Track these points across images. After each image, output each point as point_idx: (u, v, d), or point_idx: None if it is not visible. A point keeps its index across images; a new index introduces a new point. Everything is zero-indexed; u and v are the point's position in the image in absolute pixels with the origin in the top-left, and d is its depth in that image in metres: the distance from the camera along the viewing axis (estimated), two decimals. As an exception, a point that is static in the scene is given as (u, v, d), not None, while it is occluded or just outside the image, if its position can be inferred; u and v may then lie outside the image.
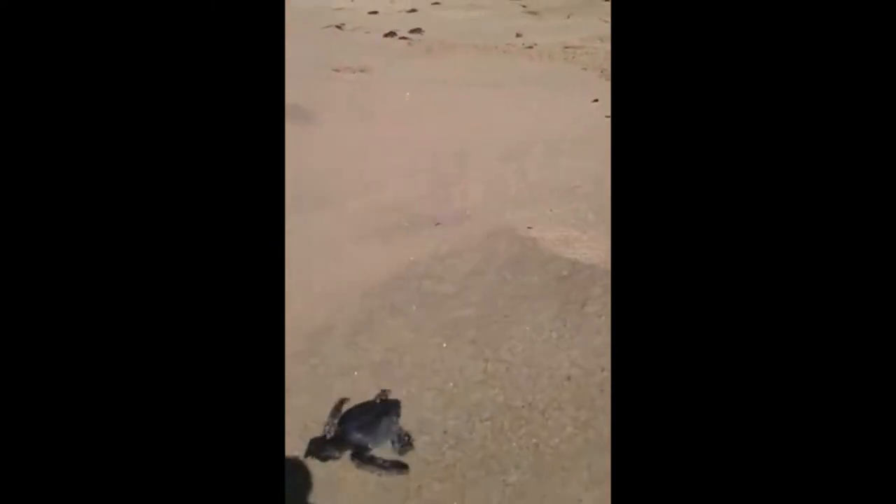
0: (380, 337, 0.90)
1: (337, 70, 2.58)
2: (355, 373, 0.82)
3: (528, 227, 1.20)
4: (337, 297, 1.00)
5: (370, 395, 0.77)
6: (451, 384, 0.80)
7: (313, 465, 0.68)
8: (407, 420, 0.74)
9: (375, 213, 1.30)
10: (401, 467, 0.66)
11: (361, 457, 0.67)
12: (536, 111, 2.06)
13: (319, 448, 0.69)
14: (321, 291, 1.02)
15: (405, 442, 0.70)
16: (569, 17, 3.80)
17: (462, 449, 0.70)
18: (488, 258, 1.11)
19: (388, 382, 0.80)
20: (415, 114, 2.07)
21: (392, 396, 0.77)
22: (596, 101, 2.06)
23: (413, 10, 4.88)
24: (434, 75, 2.57)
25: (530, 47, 2.94)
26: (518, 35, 3.20)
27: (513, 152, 1.65)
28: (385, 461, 0.67)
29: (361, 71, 2.58)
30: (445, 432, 0.72)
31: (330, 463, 0.67)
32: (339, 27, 3.57)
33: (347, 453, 0.68)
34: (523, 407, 0.74)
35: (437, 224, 1.24)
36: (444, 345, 0.87)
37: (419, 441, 0.71)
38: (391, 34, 3.37)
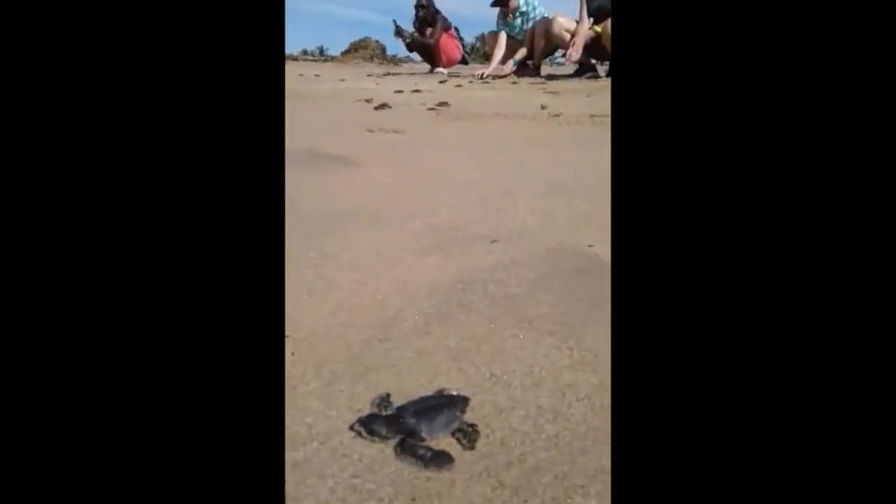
0: (453, 328, 0.89)
1: (371, 130, 2.80)
2: (433, 357, 0.81)
3: (589, 245, 1.24)
4: (405, 295, 1.00)
5: (449, 379, 0.75)
6: (538, 368, 0.78)
7: (351, 443, 0.63)
8: (495, 397, 0.72)
9: (432, 232, 1.35)
10: (445, 460, 0.59)
11: (404, 445, 0.61)
12: (574, 162, 2.19)
13: (370, 422, 0.63)
14: (388, 290, 1.03)
15: (470, 434, 0.63)
16: (589, 96, 4.15)
17: (562, 423, 0.67)
18: (553, 268, 1.13)
19: (468, 365, 0.79)
20: (454, 161, 2.21)
21: (473, 376, 0.75)
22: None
23: (442, 82, 5.33)
24: (466, 137, 2.78)
25: (557, 115, 3.20)
26: (543, 107, 3.49)
27: (557, 190, 1.74)
28: (427, 451, 0.60)
29: (395, 132, 2.79)
30: (540, 408, 0.70)
31: (370, 443, 0.63)
32: (367, 101, 3.91)
33: (397, 439, 0.62)
34: (622, 386, 0.72)
35: (494, 241, 1.28)
36: (522, 336, 0.87)
37: (511, 416, 0.68)
38: (420, 106, 3.69)
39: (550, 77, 6.02)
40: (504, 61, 6.35)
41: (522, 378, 0.76)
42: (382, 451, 0.62)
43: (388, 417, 0.65)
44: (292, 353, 0.82)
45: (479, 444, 0.63)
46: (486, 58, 7.95)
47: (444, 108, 3.60)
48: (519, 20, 6.36)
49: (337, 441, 0.64)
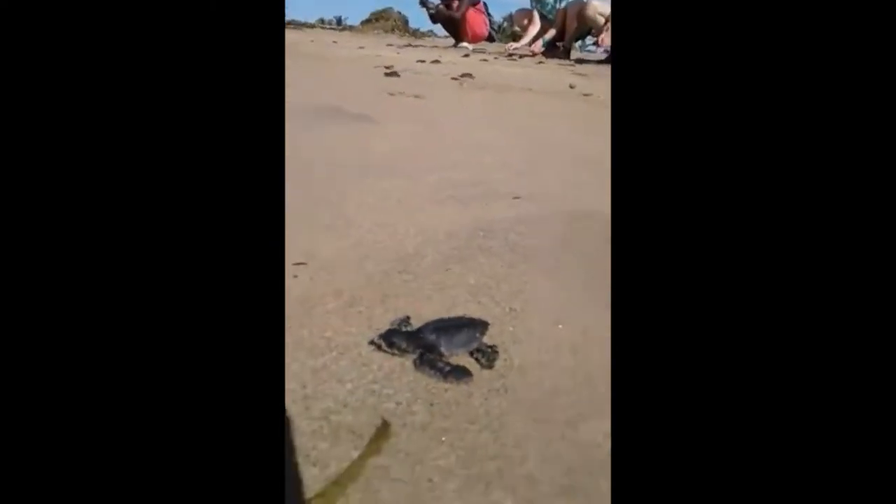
0: (473, 268, 0.90)
1: (392, 94, 2.78)
2: (452, 290, 0.81)
3: (613, 209, 1.23)
4: (424, 237, 1.01)
5: (467, 310, 0.76)
6: (558, 308, 0.79)
7: (370, 355, 0.64)
8: (514, 329, 0.72)
9: (452, 186, 1.35)
10: (463, 374, 0.60)
11: (423, 358, 0.61)
12: (601, 138, 2.17)
13: (389, 336, 0.64)
14: (407, 232, 1.03)
15: (489, 354, 0.65)
16: (617, 80, 4.09)
17: (581, 357, 0.68)
18: (579, 227, 1.13)
19: (488, 300, 0.80)
20: (476, 126, 2.20)
21: (493, 310, 0.76)
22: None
23: (465, 56, 5.28)
24: (490, 106, 2.76)
25: (587, 95, 3.16)
26: (572, 87, 3.45)
27: (582, 162, 1.73)
28: (446, 365, 0.61)
29: (416, 97, 2.77)
30: (558, 343, 0.70)
31: (387, 357, 0.64)
32: (388, 67, 3.88)
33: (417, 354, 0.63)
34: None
35: (517, 198, 1.28)
36: (542, 282, 0.87)
37: (530, 347, 0.69)
38: (442, 76, 3.65)
39: (580, 61, 5.94)
40: (534, 40, 6.27)
41: (542, 315, 0.77)
42: (402, 364, 0.63)
43: (407, 333, 0.66)
44: (310, 278, 0.83)
45: (498, 366, 0.64)
46: (514, 38, 7.84)
47: (467, 79, 3.57)
48: None
49: (356, 353, 0.65)
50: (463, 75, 3.68)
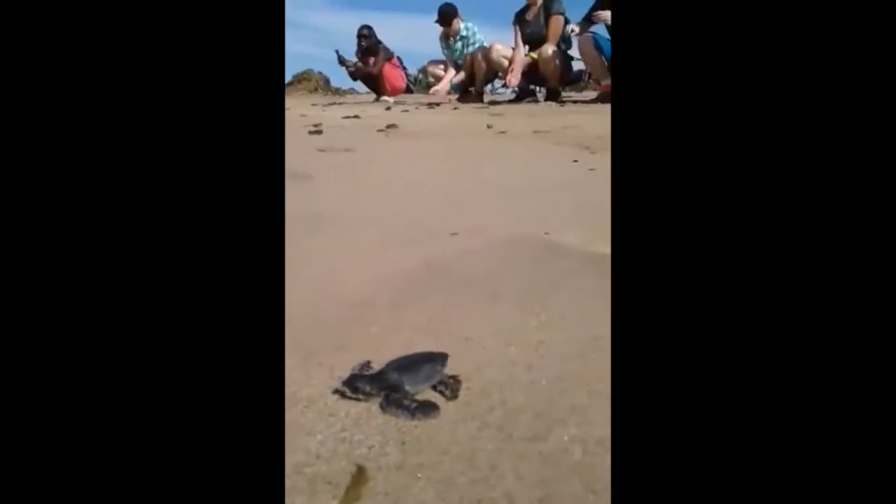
0: (423, 305, 0.91)
1: (322, 150, 2.81)
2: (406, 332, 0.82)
3: (546, 233, 1.30)
4: (372, 282, 1.02)
5: (424, 347, 0.77)
6: (508, 330, 0.82)
7: (336, 404, 0.63)
8: (471, 356, 0.74)
9: (392, 229, 1.37)
10: (431, 409, 0.60)
11: (389, 399, 0.61)
12: (522, 169, 2.30)
13: (353, 381, 0.64)
14: (355, 279, 1.04)
15: (452, 386, 0.65)
16: (531, 116, 4.37)
17: (536, 372, 0.70)
18: (516, 252, 1.18)
19: (442, 333, 0.81)
20: (406, 172, 2.25)
21: (448, 342, 0.78)
22: (576, 161, 2.33)
23: (387, 109, 5.42)
24: (417, 152, 2.84)
25: (503, 132, 3.34)
26: (489, 126, 3.64)
27: (509, 191, 1.82)
28: (412, 402, 0.61)
29: (346, 150, 2.81)
30: (514, 362, 0.73)
31: (352, 404, 0.63)
32: (315, 126, 3.92)
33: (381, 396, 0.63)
34: (593, 339, 0.77)
35: (455, 234, 1.32)
36: (490, 308, 0.90)
37: (487, 370, 0.71)
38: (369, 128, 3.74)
39: (493, 103, 6.28)
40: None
41: (495, 339, 0.79)
42: (368, 409, 0.63)
43: (370, 376, 0.66)
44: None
45: (461, 395, 0.65)
46: (429, 88, 8.18)
47: (392, 130, 3.68)
48: (459, 44, 6.65)
49: (321, 404, 0.64)
50: (388, 126, 3.79)
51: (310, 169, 2.23)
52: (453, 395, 0.65)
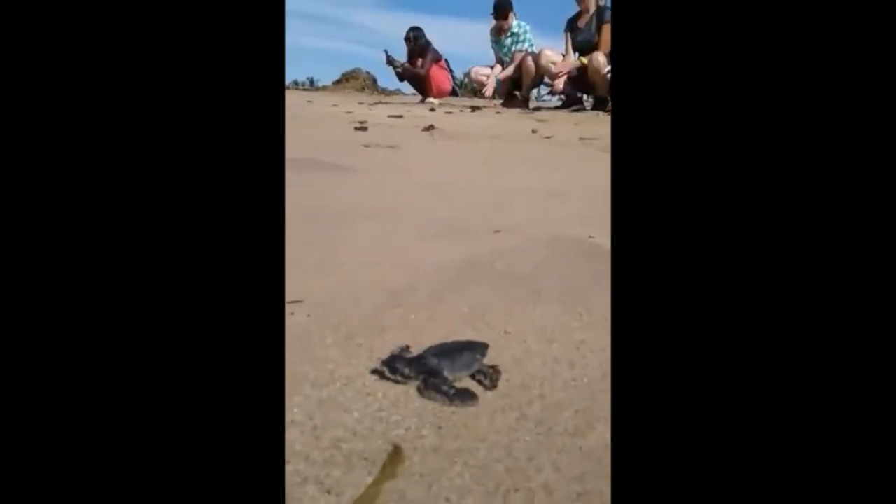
0: (463, 297, 0.91)
1: (368, 146, 2.85)
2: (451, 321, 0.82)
3: (590, 236, 1.28)
4: (414, 272, 1.02)
5: (464, 337, 0.77)
6: (550, 328, 0.80)
7: (374, 384, 0.63)
8: (511, 350, 0.73)
9: (433, 224, 1.37)
10: (469, 397, 0.60)
11: (428, 383, 0.61)
12: (567, 173, 2.26)
13: (392, 362, 0.64)
14: (396, 269, 1.04)
15: (491, 375, 0.65)
16: (577, 124, 4.30)
17: (578, 370, 0.68)
18: (557, 252, 1.16)
19: (483, 325, 0.80)
20: (450, 171, 2.26)
21: (488, 334, 0.76)
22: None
23: (431, 110, 5.46)
24: (461, 152, 2.84)
25: (548, 137, 3.30)
26: (534, 131, 3.60)
27: (553, 195, 1.79)
28: (451, 388, 0.60)
29: (390, 147, 2.84)
30: (555, 358, 0.71)
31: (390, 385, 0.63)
32: (361, 122, 3.98)
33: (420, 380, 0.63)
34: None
35: (497, 231, 1.31)
36: (532, 305, 0.89)
37: (528, 364, 0.69)
38: (413, 127, 3.77)
39: (537, 109, 6.23)
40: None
41: (536, 335, 0.78)
42: (406, 392, 0.63)
43: (409, 359, 0.66)
44: (307, 316, 0.82)
45: (500, 386, 0.64)
46: (474, 93, 8.16)
47: (437, 130, 3.70)
48: (509, 41, 6.61)
49: (360, 383, 0.64)
50: (432, 127, 3.81)
51: (353, 163, 2.26)
52: (492, 385, 0.64)
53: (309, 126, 3.75)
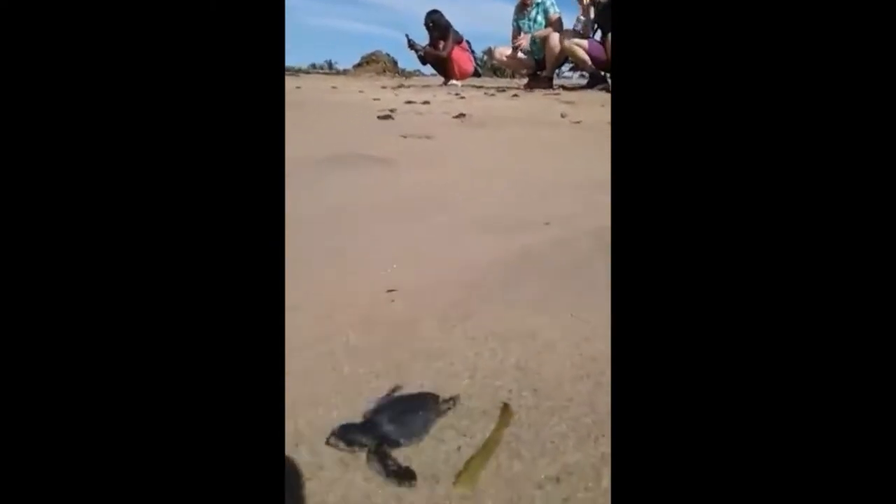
0: (529, 287, 1.07)
1: (405, 136, 3.00)
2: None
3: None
4: (475, 268, 1.18)
5: (537, 322, 0.93)
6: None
7: (470, 360, 0.75)
8: (580, 331, 0.89)
9: (481, 218, 1.53)
10: (406, 477, 0.57)
11: (374, 454, 0.59)
12: (603, 162, 2.38)
13: (345, 433, 0.61)
14: (459, 264, 1.21)
15: (441, 414, 0.65)
16: (603, 105, 4.36)
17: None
18: (607, 243, 1.31)
19: (548, 314, 0.96)
20: (489, 161, 2.40)
21: (562, 319, 0.92)
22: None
23: (457, 95, 5.53)
24: (494, 141, 2.97)
25: (577, 122, 3.40)
26: (563, 116, 3.70)
27: (595, 185, 1.92)
28: (393, 465, 0.58)
29: (427, 137, 2.99)
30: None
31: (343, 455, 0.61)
32: (391, 111, 4.12)
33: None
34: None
35: (547, 223, 1.46)
36: (590, 292, 1.04)
37: (598, 342, 0.85)
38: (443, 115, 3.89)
39: (562, 88, 6.27)
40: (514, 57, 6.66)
41: (602, 318, 0.93)
42: (502, 363, 0.79)
43: (363, 425, 0.63)
44: (405, 303, 0.99)
45: (576, 360, 0.80)
46: (494, 71, 8.15)
47: (467, 118, 3.82)
48: (534, 11, 6.52)
49: (461, 356, 0.81)
50: (462, 115, 3.93)
51: (394, 156, 2.41)
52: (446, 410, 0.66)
53: (341, 116, 3.90)
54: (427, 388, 0.72)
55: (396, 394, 0.70)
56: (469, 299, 1.01)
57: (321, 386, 0.74)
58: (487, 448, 0.62)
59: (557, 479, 0.59)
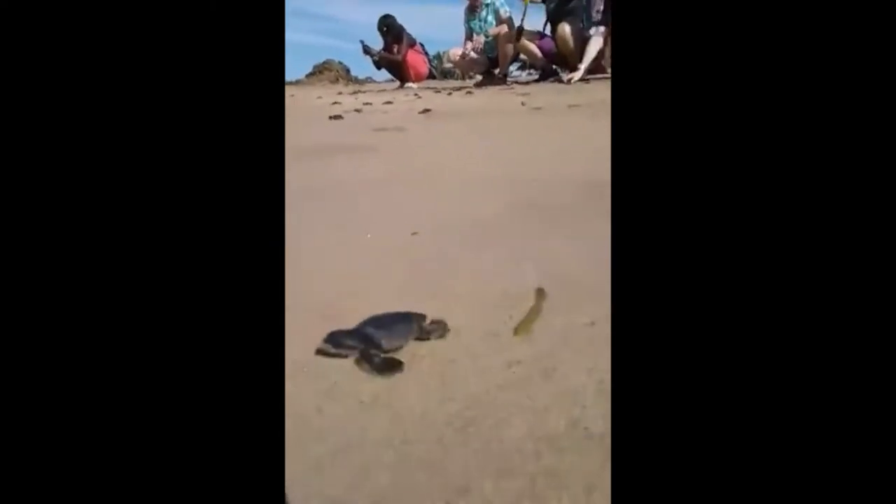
0: (529, 223, 1.23)
1: (377, 130, 3.12)
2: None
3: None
4: (491, 210, 1.33)
5: (548, 245, 1.08)
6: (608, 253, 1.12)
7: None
8: (569, 263, 1.05)
9: (484, 180, 1.69)
10: (392, 367, 0.63)
11: (363, 354, 0.66)
12: (570, 137, 2.59)
13: (334, 338, 0.68)
14: (475, 211, 1.35)
15: (436, 330, 0.71)
16: (559, 94, 4.62)
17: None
18: (592, 193, 1.48)
19: (558, 234, 1.12)
20: (460, 141, 2.56)
21: (572, 245, 1.08)
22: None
23: (416, 96, 5.69)
24: (464, 129, 3.15)
25: (538, 108, 3.63)
26: (523, 104, 3.92)
27: (566, 154, 2.12)
28: (380, 360, 0.64)
29: (399, 129, 3.12)
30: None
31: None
32: (357, 111, 4.23)
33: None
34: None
35: (534, 180, 1.63)
36: (586, 226, 1.21)
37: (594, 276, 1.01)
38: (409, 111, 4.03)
39: (516, 83, 6.54)
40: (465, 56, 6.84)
41: (598, 250, 1.10)
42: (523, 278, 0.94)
43: (350, 332, 0.69)
44: (425, 240, 1.13)
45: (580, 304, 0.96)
46: (444, 75, 8.32)
47: (431, 112, 3.98)
48: (484, 12, 6.51)
49: (492, 276, 0.96)
50: (426, 110, 4.09)
51: (373, 143, 2.54)
52: (441, 336, 0.71)
53: (308, 117, 3.98)
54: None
55: (390, 312, 0.74)
56: (489, 232, 1.16)
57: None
58: (533, 312, 0.77)
59: (593, 323, 0.76)
